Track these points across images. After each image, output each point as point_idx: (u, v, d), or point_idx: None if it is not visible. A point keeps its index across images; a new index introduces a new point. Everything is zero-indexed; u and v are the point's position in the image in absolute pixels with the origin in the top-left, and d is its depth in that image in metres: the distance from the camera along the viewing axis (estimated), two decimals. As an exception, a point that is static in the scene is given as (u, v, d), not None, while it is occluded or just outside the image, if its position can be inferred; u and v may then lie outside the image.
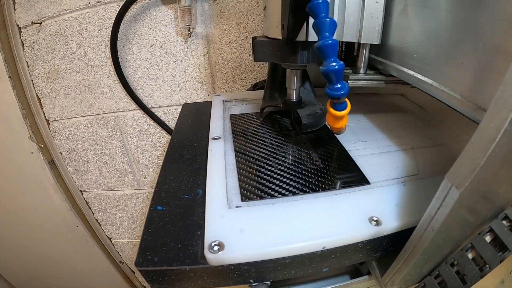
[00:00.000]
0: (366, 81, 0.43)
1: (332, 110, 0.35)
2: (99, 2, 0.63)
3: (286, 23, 0.35)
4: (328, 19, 0.29)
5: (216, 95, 0.62)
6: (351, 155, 0.40)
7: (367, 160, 0.39)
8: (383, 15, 0.37)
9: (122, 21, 0.64)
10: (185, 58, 0.70)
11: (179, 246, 0.28)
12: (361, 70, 0.44)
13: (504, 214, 0.25)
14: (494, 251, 0.24)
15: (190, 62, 0.71)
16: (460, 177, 0.21)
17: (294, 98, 0.46)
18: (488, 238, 0.25)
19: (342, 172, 0.37)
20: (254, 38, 0.40)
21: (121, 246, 1.07)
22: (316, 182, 0.35)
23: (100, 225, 1.00)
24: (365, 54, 0.43)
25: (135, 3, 0.62)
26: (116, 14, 0.62)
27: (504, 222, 0.25)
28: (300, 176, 0.36)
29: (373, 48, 0.43)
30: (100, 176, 0.88)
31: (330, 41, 0.29)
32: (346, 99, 0.34)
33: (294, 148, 0.43)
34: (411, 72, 0.36)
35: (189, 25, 0.63)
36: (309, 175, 0.37)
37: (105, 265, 1.06)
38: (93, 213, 0.97)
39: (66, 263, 1.06)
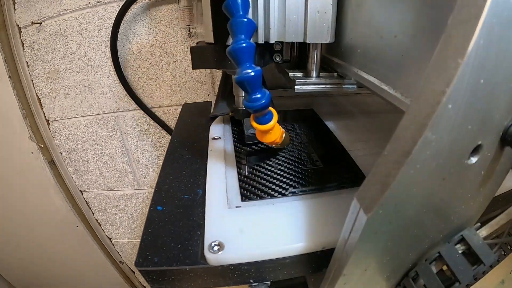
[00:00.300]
0: (316, 86, 0.38)
1: (255, 124, 0.31)
2: (99, 2, 0.63)
3: (211, 26, 0.32)
4: (245, 20, 0.26)
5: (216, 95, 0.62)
6: (351, 155, 0.40)
7: (367, 160, 0.39)
8: (333, 9, 0.33)
9: (122, 21, 0.64)
10: (185, 58, 0.70)
11: (179, 246, 0.28)
12: (313, 73, 0.39)
13: (461, 236, 0.21)
14: (440, 284, 0.20)
15: (190, 62, 0.71)
16: (368, 199, 0.17)
17: (242, 106, 0.42)
18: (436, 267, 0.21)
19: (342, 172, 0.37)
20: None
21: (121, 246, 1.07)
22: (316, 182, 0.35)
23: (100, 225, 1.00)
24: (316, 55, 0.38)
25: (135, 3, 0.62)
26: (116, 14, 0.62)
27: (458, 246, 0.21)
28: (300, 176, 0.36)
29: (329, 48, 0.39)
30: (100, 176, 0.88)
31: (244, 44, 0.26)
32: (271, 109, 0.31)
33: (294, 148, 0.43)
34: (355, 70, 0.32)
35: (189, 25, 0.63)
36: (309, 175, 0.36)
37: (105, 265, 1.06)
38: (93, 213, 0.97)
39: (66, 263, 1.06)
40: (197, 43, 0.39)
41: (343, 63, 0.36)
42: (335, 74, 0.39)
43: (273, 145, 0.36)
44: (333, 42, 0.36)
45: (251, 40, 0.28)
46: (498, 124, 0.17)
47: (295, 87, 0.38)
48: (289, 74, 0.41)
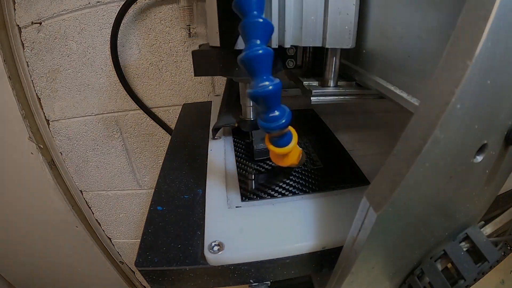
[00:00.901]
0: (335, 97, 0.34)
1: (271, 147, 0.27)
2: (99, 2, 0.63)
3: (218, 28, 0.28)
4: (260, 20, 0.22)
5: (216, 95, 0.62)
6: (351, 155, 0.40)
7: (367, 160, 0.39)
8: (356, 10, 0.28)
9: (122, 21, 0.64)
10: (185, 58, 0.70)
11: (179, 246, 0.28)
12: (331, 83, 0.34)
13: (465, 234, 0.21)
14: (445, 281, 0.20)
15: (190, 62, 0.71)
16: (378, 197, 0.17)
17: (250, 116, 0.38)
18: (441, 264, 0.21)
19: (342, 172, 0.37)
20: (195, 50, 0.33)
21: (121, 246, 1.07)
22: (316, 182, 0.35)
23: (100, 225, 1.00)
24: (334, 62, 0.33)
25: (135, 3, 0.62)
26: (116, 14, 0.62)
27: (463, 243, 0.21)
28: (300, 176, 0.36)
29: (344, 51, 0.34)
30: (100, 176, 0.88)
31: (261, 51, 0.21)
32: (290, 128, 0.26)
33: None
34: (373, 77, 0.30)
35: (189, 25, 0.63)
36: (309, 175, 0.36)
37: (105, 265, 1.06)
38: (93, 213, 0.97)
39: (66, 263, 1.06)
40: (199, 46, 0.34)
41: (359, 69, 0.33)
42: (354, 83, 0.35)
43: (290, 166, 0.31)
44: (354, 49, 0.32)
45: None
46: (503, 124, 0.17)
47: (312, 98, 0.33)
48: (304, 83, 0.36)
